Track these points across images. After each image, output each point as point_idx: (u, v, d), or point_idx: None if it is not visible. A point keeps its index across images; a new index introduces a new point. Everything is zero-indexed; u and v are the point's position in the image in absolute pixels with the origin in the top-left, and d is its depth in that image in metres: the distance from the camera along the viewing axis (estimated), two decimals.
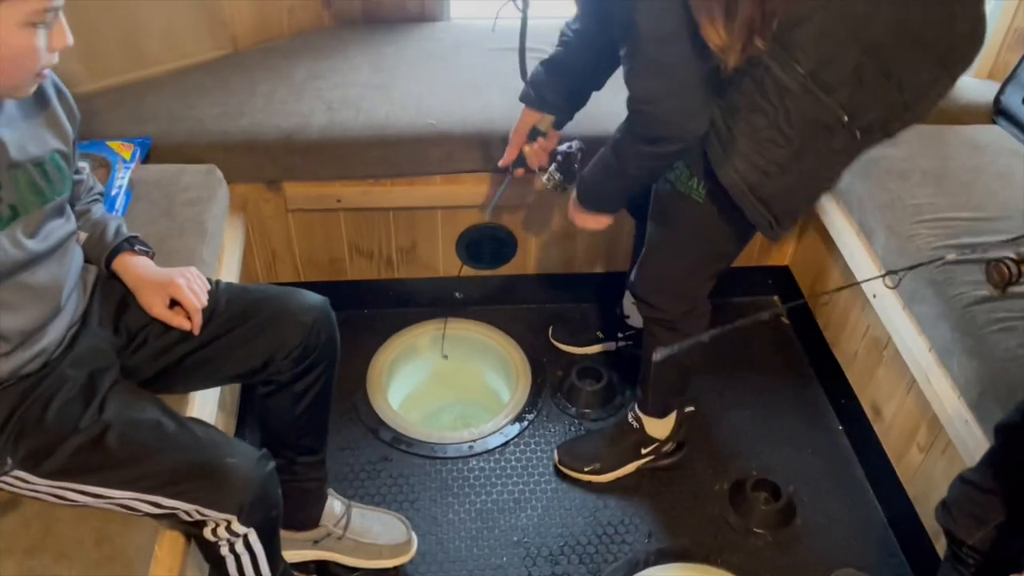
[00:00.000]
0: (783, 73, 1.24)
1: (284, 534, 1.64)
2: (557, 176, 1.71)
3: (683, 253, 1.61)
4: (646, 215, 1.64)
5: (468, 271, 2.31)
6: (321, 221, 2.19)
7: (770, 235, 1.42)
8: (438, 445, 2.07)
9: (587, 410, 2.16)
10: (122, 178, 1.75)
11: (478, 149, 2.03)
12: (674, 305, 1.67)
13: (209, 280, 1.46)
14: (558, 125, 1.71)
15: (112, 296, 1.41)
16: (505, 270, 2.35)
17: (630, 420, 1.95)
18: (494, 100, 2.09)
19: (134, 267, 1.42)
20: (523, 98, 1.67)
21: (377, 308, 2.39)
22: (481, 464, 2.03)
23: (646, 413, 1.91)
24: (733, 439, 2.11)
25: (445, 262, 2.31)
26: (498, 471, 2.01)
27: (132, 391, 1.34)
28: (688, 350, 1.62)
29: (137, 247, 1.44)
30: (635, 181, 1.49)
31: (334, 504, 1.74)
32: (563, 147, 1.71)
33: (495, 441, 2.08)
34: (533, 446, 2.07)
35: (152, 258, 1.47)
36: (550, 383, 2.23)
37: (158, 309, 1.39)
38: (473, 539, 1.87)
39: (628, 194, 1.56)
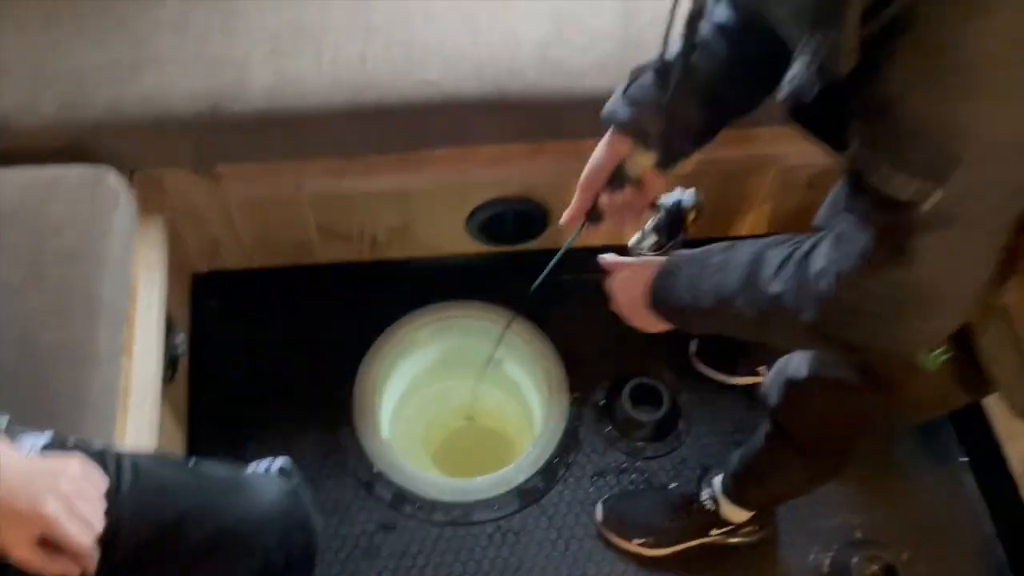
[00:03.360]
0: None
1: None
2: (652, 239, 1.06)
3: (866, 410, 1.05)
4: None
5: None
6: (277, 206, 1.55)
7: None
8: (455, 505, 1.59)
9: (641, 443, 1.68)
10: None
11: (502, 114, 1.37)
12: (820, 443, 1.18)
13: (105, 463, 0.90)
14: (662, 166, 1.00)
15: None
16: (530, 245, 1.75)
17: (703, 499, 1.47)
18: (528, 25, 1.39)
19: None
20: (609, 116, 0.97)
21: (360, 293, 1.81)
22: (512, 524, 1.57)
23: (732, 501, 1.44)
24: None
25: (451, 239, 1.71)
26: (532, 539, 1.56)
27: None
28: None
29: None
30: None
31: None
32: (669, 198, 1.02)
33: (528, 492, 1.61)
34: (576, 503, 1.60)
35: (11, 433, 0.89)
36: (592, 401, 1.72)
37: (22, 552, 0.83)
38: None
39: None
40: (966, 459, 1.68)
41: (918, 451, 1.69)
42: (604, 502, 1.58)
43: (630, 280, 0.97)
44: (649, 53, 0.91)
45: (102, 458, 0.91)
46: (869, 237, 0.66)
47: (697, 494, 1.49)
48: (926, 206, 0.60)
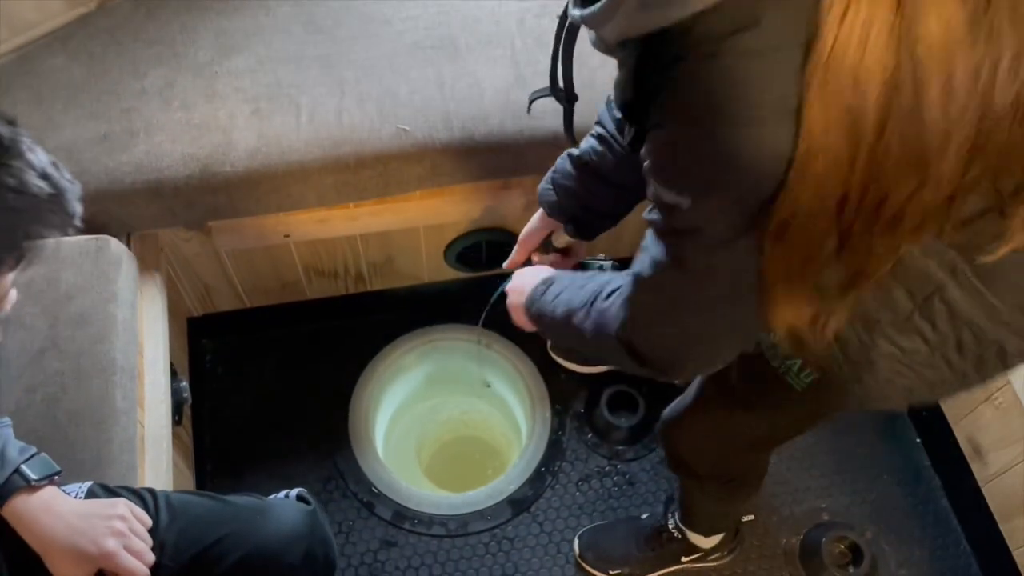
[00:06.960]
0: (966, 300, 0.80)
1: None
2: None
3: (749, 429, 1.17)
4: None
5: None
6: (265, 252, 1.65)
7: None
8: (451, 518, 1.71)
9: (621, 447, 1.80)
10: None
11: (472, 158, 1.48)
12: (714, 468, 1.30)
13: (144, 502, 1.01)
14: (583, 238, 1.18)
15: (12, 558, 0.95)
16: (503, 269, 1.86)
17: (670, 527, 1.57)
18: (489, 71, 1.50)
19: (37, 517, 0.94)
20: (539, 196, 1.14)
21: (348, 323, 1.91)
22: (506, 532, 1.69)
23: (689, 529, 1.54)
24: (797, 468, 1.78)
25: (430, 269, 1.82)
26: (525, 545, 1.68)
27: None
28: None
29: (34, 479, 0.95)
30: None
31: None
32: (593, 261, 1.17)
33: (519, 501, 1.72)
34: (564, 508, 1.72)
35: (57, 483, 0.99)
36: (573, 411, 1.84)
37: None
38: None
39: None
40: (919, 440, 1.82)
41: (876, 437, 1.82)
42: (580, 536, 1.66)
43: (521, 280, 1.07)
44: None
45: (141, 498, 1.01)
46: (659, 245, 0.77)
47: (665, 524, 1.58)
48: (684, 205, 0.70)
